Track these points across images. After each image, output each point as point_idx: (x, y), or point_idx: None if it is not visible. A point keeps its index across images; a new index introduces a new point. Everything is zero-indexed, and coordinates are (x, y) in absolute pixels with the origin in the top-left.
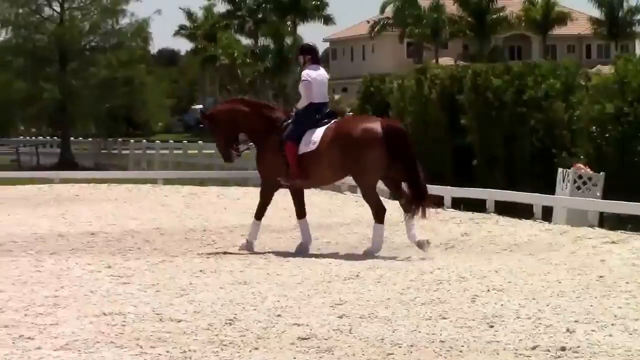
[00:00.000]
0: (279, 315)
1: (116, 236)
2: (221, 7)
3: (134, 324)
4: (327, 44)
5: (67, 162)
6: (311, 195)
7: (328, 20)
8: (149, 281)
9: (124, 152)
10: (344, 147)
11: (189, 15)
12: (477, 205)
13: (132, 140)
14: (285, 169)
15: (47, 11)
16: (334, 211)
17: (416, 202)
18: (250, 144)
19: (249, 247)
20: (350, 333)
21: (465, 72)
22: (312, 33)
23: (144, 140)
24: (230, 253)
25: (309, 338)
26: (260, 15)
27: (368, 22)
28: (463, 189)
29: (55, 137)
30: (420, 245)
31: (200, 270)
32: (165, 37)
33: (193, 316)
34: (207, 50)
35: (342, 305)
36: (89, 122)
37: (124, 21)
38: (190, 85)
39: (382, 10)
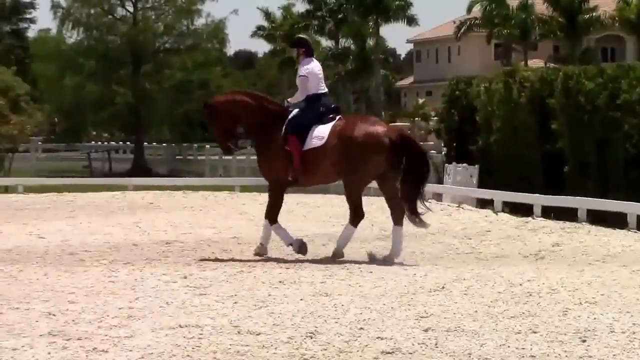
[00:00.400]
0: (361, 329)
1: (192, 245)
2: (300, 7)
3: (211, 337)
4: (411, 46)
5: (140, 169)
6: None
7: (412, 20)
8: (226, 292)
9: (199, 158)
10: (350, 148)
11: (267, 15)
12: (568, 214)
13: (208, 146)
14: (289, 165)
15: (119, 11)
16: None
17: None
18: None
19: (262, 251)
20: (436, 347)
21: (556, 74)
22: (395, 34)
23: None
24: (311, 263)
25: (393, 352)
26: (341, 16)
27: (454, 22)
28: (553, 197)
29: (128, 143)
30: (388, 259)
31: (280, 281)
32: (242, 38)
33: (272, 329)
34: (286, 52)
35: (428, 318)
36: (163, 127)
37: (200, 22)
38: (268, 88)
39: (469, 10)
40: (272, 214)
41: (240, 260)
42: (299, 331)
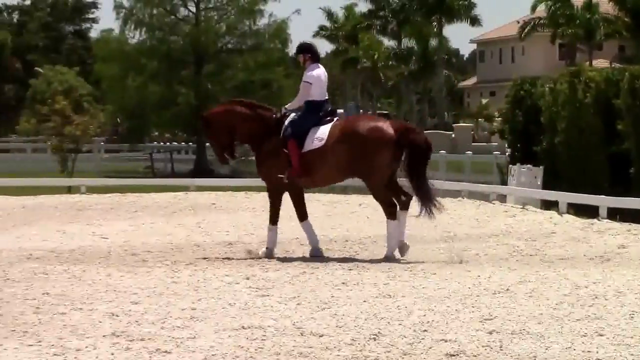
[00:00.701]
0: (425, 331)
1: (255, 246)
2: (363, 7)
3: (274, 338)
4: (475, 46)
5: (202, 169)
6: (459, 206)
7: (475, 21)
8: (289, 294)
9: None
10: (353, 146)
11: (330, 15)
12: (634, 216)
13: None
14: (287, 168)
15: (182, 12)
16: (483, 222)
17: (422, 204)
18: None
19: (268, 255)
20: (501, 350)
21: (622, 74)
22: (458, 34)
23: None
24: (374, 264)
25: (457, 355)
26: (403, 16)
27: (518, 22)
28: (619, 198)
29: (190, 143)
30: (402, 247)
31: (343, 283)
32: (304, 38)
33: (336, 330)
34: (348, 52)
35: (492, 320)
36: None
37: (262, 22)
38: (330, 88)
39: (533, 10)
40: (273, 216)
41: (303, 262)
42: (362, 333)
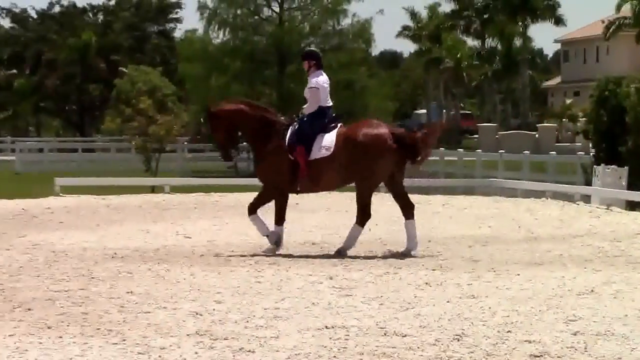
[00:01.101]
0: (509, 332)
1: (337, 246)
2: (446, 7)
3: (357, 338)
4: (559, 45)
5: None
6: (543, 206)
7: (559, 20)
8: (372, 294)
9: None
10: (358, 152)
11: (413, 15)
12: None
13: None
14: (290, 174)
15: (265, 12)
16: (567, 222)
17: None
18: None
19: (272, 251)
20: (586, 351)
21: None
22: (542, 34)
23: None
24: (457, 265)
25: (541, 356)
26: (487, 16)
27: (602, 22)
28: None
29: None
30: (406, 252)
31: (426, 283)
32: (387, 38)
33: (419, 331)
34: (431, 52)
35: (577, 321)
36: None
37: (345, 22)
38: (413, 88)
39: (618, 9)
40: (279, 217)
41: (386, 262)
42: (445, 333)
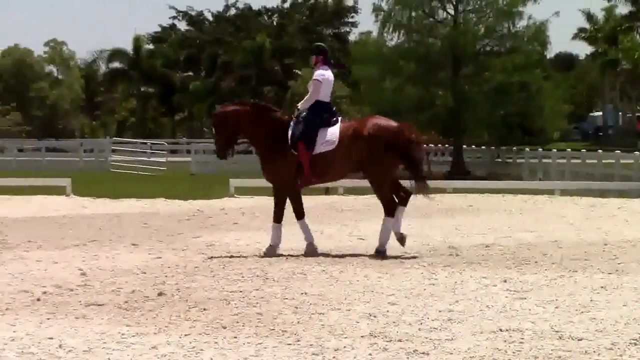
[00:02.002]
0: None
1: (512, 249)
2: (623, 9)
3: (532, 342)
4: None
5: (459, 171)
6: None
7: None
8: (547, 297)
9: (518, 161)
10: (364, 144)
11: (589, 17)
12: None
13: (527, 149)
14: (296, 170)
15: (440, 14)
16: None
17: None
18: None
19: (271, 252)
20: None
21: None
22: None
23: (540, 149)
24: (633, 268)
25: None
26: None
27: None
28: None
29: (446, 145)
30: (401, 238)
31: (602, 287)
32: (562, 40)
33: (595, 335)
34: (608, 54)
35: None
36: (482, 130)
37: (521, 24)
38: (588, 91)
39: None
40: (278, 215)
41: (561, 265)
42: (622, 338)
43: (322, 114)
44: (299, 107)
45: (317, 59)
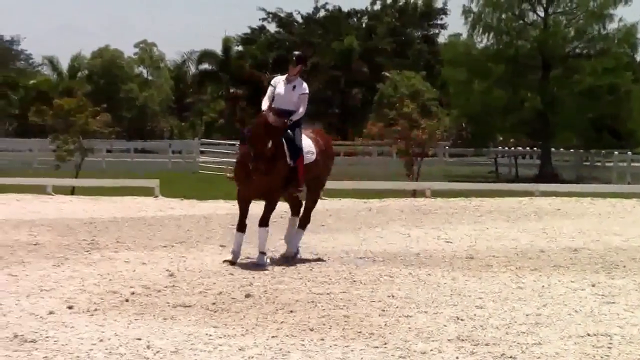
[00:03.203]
0: None
1: (600, 253)
2: None
3: (620, 346)
4: None
5: (547, 174)
6: None
7: None
8: (635, 301)
9: (607, 164)
10: (328, 157)
11: None
12: None
13: (616, 152)
14: (288, 179)
15: (530, 16)
16: None
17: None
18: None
19: (262, 262)
20: None
21: None
22: None
23: (629, 152)
24: None
25: None
26: None
27: None
28: None
29: (534, 148)
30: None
31: None
32: None
33: None
34: None
35: None
36: (571, 133)
37: (611, 26)
38: None
39: None
40: (265, 219)
41: None
42: None
43: (301, 126)
44: (292, 119)
45: (300, 68)
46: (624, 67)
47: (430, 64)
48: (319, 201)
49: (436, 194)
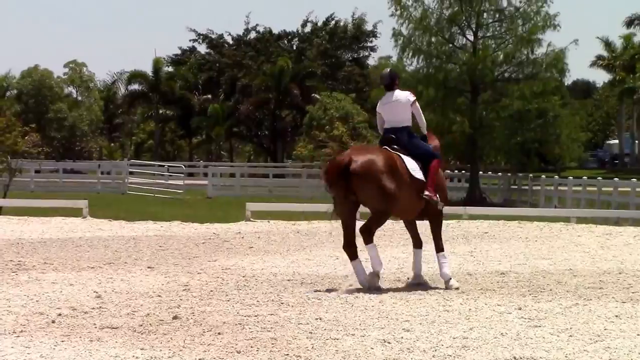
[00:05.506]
0: None
1: (527, 276)
2: None
3: None
4: None
5: (475, 197)
6: None
7: None
8: (561, 325)
9: (534, 188)
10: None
11: (607, 45)
12: None
13: (543, 176)
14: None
15: (460, 40)
16: None
17: None
18: None
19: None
20: None
21: None
22: None
23: (556, 176)
24: None
25: None
26: None
27: None
28: None
29: (462, 171)
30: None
31: (616, 316)
32: (580, 67)
33: None
34: (625, 82)
35: None
36: (500, 156)
37: (540, 51)
38: (605, 118)
39: None
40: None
41: (575, 293)
42: None
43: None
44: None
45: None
46: (552, 92)
47: (360, 86)
48: (250, 223)
49: (365, 216)
